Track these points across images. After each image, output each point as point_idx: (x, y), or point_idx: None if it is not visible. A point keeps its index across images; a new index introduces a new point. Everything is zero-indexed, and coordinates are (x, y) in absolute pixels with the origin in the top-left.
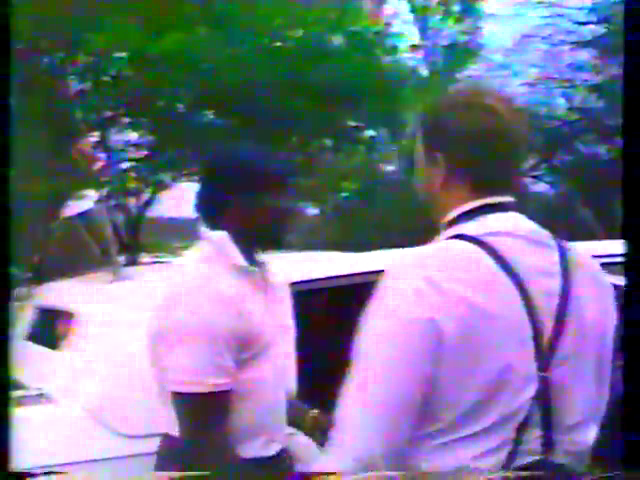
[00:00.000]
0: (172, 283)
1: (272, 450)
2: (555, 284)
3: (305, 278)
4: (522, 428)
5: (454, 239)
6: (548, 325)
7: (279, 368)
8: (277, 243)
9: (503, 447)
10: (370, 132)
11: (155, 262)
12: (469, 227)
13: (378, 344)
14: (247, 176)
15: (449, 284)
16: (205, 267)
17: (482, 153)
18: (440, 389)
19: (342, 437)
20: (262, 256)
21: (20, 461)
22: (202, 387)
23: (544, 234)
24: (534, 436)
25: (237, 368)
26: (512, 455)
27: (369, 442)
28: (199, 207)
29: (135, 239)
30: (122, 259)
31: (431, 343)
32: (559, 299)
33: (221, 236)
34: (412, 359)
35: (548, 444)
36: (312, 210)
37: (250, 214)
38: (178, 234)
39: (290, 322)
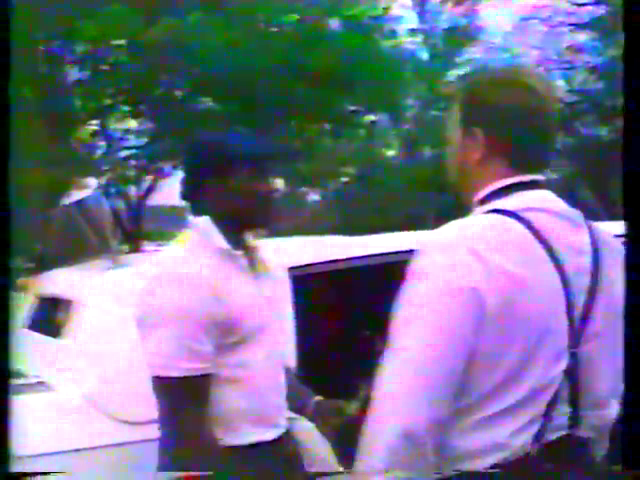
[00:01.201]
0: (150, 269)
1: (272, 435)
2: (586, 262)
3: (305, 262)
4: (552, 404)
5: (492, 213)
6: (579, 302)
7: (274, 352)
8: (260, 226)
9: (534, 423)
10: (370, 117)
11: (157, 250)
12: (505, 203)
13: (422, 312)
14: (217, 160)
15: (491, 255)
16: (183, 251)
17: (523, 130)
18: (476, 361)
19: (385, 408)
20: (254, 240)
21: (21, 449)
22: (175, 371)
23: (575, 213)
24: (562, 412)
25: (221, 353)
26: (541, 431)
27: (415, 411)
28: (183, 194)
29: (137, 227)
30: (124, 247)
31: (474, 312)
32: (590, 277)
33: (204, 221)
34: (457, 327)
35: (575, 419)
36: (313, 195)
37: (226, 198)
38: (180, 222)
39: (287, 306)
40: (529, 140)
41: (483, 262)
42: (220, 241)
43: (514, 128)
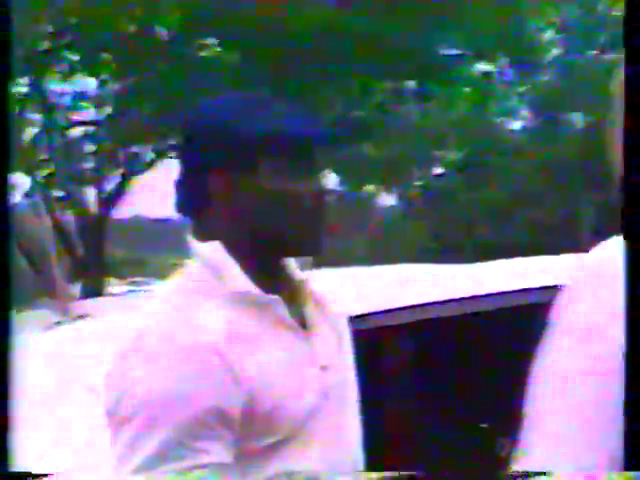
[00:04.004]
0: (128, 330)
1: None
2: None
3: (376, 308)
4: None
5: None
6: None
7: (335, 450)
8: (305, 252)
9: None
10: (481, 65)
11: (130, 291)
12: None
13: (592, 377)
14: (233, 144)
15: None
16: (180, 298)
17: None
18: None
19: None
20: (300, 275)
21: None
22: None
23: None
24: None
25: (249, 460)
26: None
27: None
28: (178, 203)
29: (97, 254)
30: (76, 287)
31: None
32: None
33: (213, 248)
34: None
35: None
36: (386, 198)
37: (249, 208)
38: (173, 246)
39: (351, 377)
40: None
41: None
42: (241, 280)
43: None
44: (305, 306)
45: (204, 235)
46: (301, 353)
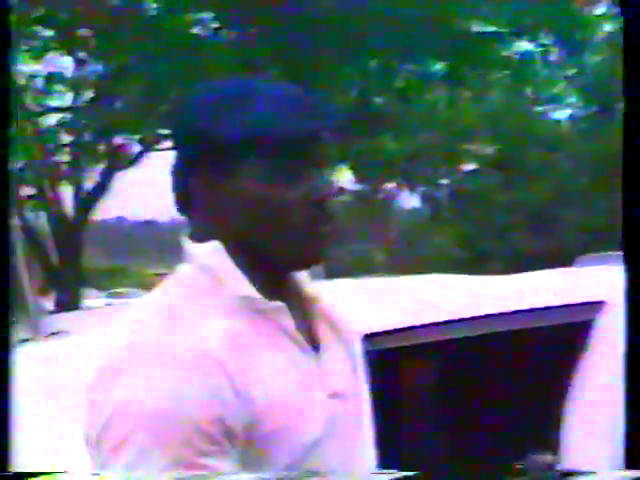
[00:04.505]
0: (115, 339)
1: None
2: None
3: (394, 325)
4: None
5: None
6: None
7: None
8: (310, 259)
9: None
10: (519, 44)
11: (111, 305)
12: None
13: None
14: (229, 136)
15: None
16: (175, 306)
17: None
18: None
19: None
20: (307, 283)
21: None
22: None
23: None
24: None
25: None
26: None
27: None
28: (176, 198)
29: (74, 262)
30: (50, 299)
31: None
32: None
33: (210, 250)
34: None
35: None
36: (408, 197)
37: (247, 208)
38: (162, 249)
39: (364, 406)
40: None
41: None
42: (242, 285)
43: None
44: (315, 324)
45: (198, 236)
46: (308, 375)
